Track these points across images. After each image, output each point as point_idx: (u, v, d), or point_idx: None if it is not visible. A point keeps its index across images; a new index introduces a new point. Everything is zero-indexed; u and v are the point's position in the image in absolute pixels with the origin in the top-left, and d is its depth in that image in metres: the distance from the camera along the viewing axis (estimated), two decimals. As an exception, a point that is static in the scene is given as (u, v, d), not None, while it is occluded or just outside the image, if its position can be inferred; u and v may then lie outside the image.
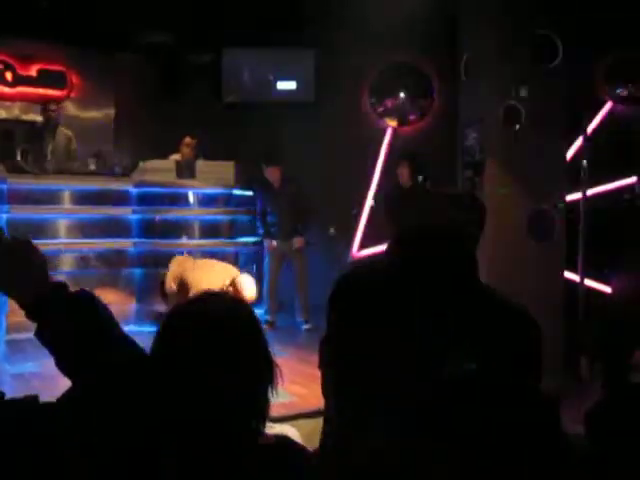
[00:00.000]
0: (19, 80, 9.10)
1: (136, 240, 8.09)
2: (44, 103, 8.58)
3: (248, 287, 5.94)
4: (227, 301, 1.55)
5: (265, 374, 1.48)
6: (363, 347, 1.27)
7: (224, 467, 1.38)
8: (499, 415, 1.52)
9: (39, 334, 1.35)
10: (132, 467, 1.31)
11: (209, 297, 1.56)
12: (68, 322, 1.33)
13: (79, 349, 1.33)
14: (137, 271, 8.11)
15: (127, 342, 1.41)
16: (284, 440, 1.54)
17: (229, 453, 1.39)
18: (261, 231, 8.30)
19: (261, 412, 1.48)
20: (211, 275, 6.17)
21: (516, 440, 1.56)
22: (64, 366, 1.34)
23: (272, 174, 8.14)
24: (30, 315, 1.35)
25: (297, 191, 8.17)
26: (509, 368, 1.81)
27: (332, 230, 8.55)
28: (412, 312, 1.30)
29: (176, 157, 8.46)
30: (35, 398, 1.33)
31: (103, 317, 1.40)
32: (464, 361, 1.58)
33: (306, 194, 8.22)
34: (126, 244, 8.06)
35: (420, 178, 7.82)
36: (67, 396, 1.32)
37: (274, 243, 8.15)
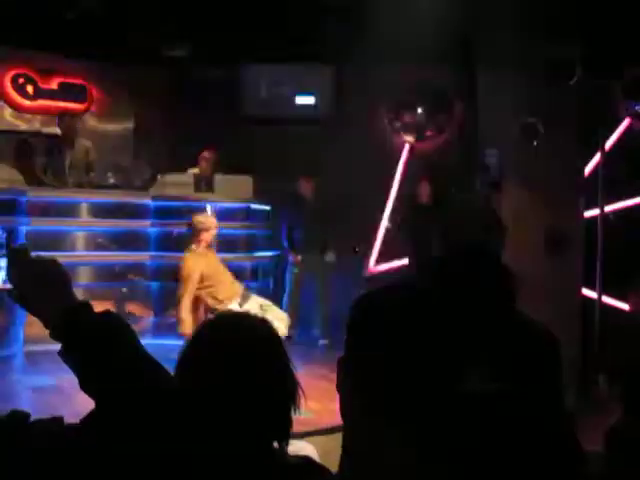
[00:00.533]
0: (40, 93, 9.18)
1: (154, 253, 8.13)
2: (60, 115, 8.65)
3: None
4: (252, 323, 1.57)
5: (290, 395, 1.50)
6: (381, 372, 1.27)
7: None
8: (519, 433, 1.52)
9: (63, 354, 1.36)
10: None
11: (234, 318, 1.58)
12: (92, 343, 1.34)
13: (103, 371, 1.34)
14: (154, 284, 8.14)
15: (151, 363, 1.42)
16: (307, 460, 1.55)
17: (255, 474, 1.40)
18: (286, 244, 8.32)
19: (285, 433, 1.49)
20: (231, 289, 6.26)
21: (535, 457, 1.56)
22: (87, 387, 1.35)
23: (305, 187, 8.20)
24: (54, 335, 1.36)
25: (327, 206, 8.23)
26: (530, 387, 1.80)
27: (332, 255, 8.39)
28: (433, 338, 1.30)
29: (194, 171, 8.51)
30: (61, 419, 1.34)
31: (128, 338, 1.41)
32: (486, 381, 1.58)
33: (334, 208, 8.26)
34: (144, 257, 8.10)
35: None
36: (91, 418, 1.33)
37: (299, 257, 8.16)
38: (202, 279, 6.18)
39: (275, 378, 1.48)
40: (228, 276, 6.46)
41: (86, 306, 1.40)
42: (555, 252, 6.86)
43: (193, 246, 6.39)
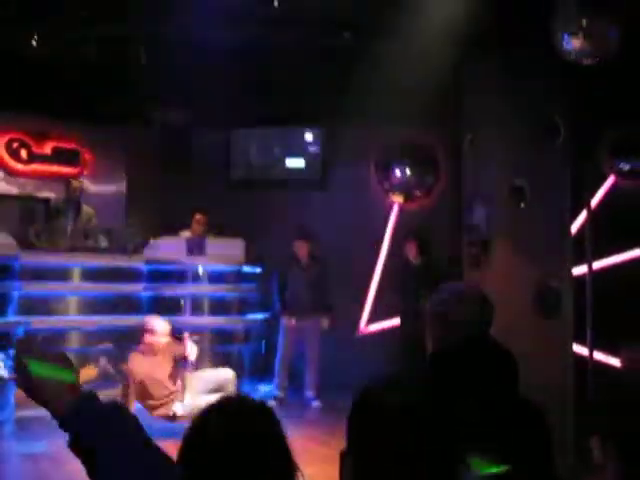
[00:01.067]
0: (34, 158, 9.29)
1: (145, 317, 8.11)
2: (67, 179, 8.76)
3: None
4: (253, 410, 1.62)
5: (290, 475, 1.54)
6: (384, 465, 1.29)
7: None
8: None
9: (71, 445, 1.38)
10: None
11: (230, 405, 1.63)
12: (98, 434, 1.36)
13: (108, 460, 1.36)
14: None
15: (156, 452, 1.45)
16: None
17: None
18: (278, 306, 8.34)
19: None
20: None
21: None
22: (96, 477, 1.37)
23: (300, 249, 8.26)
24: (62, 426, 1.39)
25: (322, 269, 8.28)
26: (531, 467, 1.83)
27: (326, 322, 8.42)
28: (440, 436, 1.32)
29: (186, 234, 8.58)
30: None
31: (132, 429, 1.43)
32: (495, 464, 1.61)
33: (328, 273, 8.31)
34: (137, 320, 8.08)
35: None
36: None
37: (293, 320, 8.17)
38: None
39: (278, 466, 1.53)
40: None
41: (91, 397, 1.43)
42: (545, 310, 6.90)
43: (140, 345, 6.56)
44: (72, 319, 7.82)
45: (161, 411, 6.31)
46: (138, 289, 8.16)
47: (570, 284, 7.05)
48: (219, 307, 8.34)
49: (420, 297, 7.44)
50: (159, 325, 6.60)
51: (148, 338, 6.52)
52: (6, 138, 9.07)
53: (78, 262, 7.93)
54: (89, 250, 8.11)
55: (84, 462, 1.37)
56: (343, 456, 1.37)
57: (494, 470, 1.60)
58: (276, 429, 1.62)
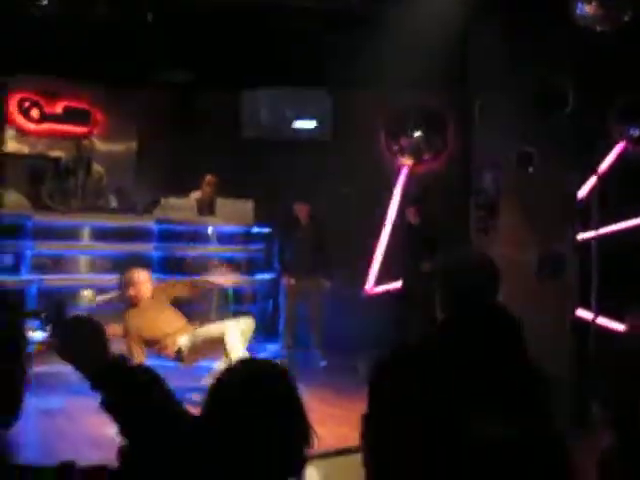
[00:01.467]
0: (45, 117, 9.34)
1: (157, 276, 8.23)
2: (77, 138, 8.84)
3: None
4: (266, 369, 1.71)
5: (304, 435, 1.64)
6: (404, 435, 1.37)
7: None
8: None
9: (102, 404, 1.48)
10: None
11: (248, 365, 1.73)
12: (126, 392, 1.47)
13: (136, 418, 1.46)
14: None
15: (179, 409, 1.55)
16: None
17: None
18: (279, 267, 8.44)
19: (299, 469, 1.63)
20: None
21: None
22: (127, 432, 1.48)
23: (300, 211, 8.34)
24: (94, 387, 1.49)
25: (321, 231, 8.37)
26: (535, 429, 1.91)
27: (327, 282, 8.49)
28: (455, 399, 1.40)
29: (197, 195, 8.65)
30: (105, 467, 1.45)
31: (158, 388, 1.53)
32: (497, 427, 1.69)
33: (327, 235, 8.39)
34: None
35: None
36: (126, 460, 1.45)
37: (292, 281, 8.29)
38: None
39: (291, 426, 1.62)
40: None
41: (121, 359, 1.53)
42: (549, 275, 6.98)
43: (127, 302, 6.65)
44: (84, 277, 7.94)
45: (169, 350, 6.39)
46: (149, 248, 8.26)
47: (575, 249, 7.13)
48: (228, 267, 8.43)
49: (421, 259, 7.56)
50: (136, 276, 6.67)
51: (130, 292, 6.58)
52: (18, 98, 9.10)
53: (90, 222, 8.03)
54: (100, 210, 8.20)
55: (115, 419, 1.47)
56: (365, 419, 1.46)
57: (500, 433, 1.69)
58: (293, 392, 1.71)
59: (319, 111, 9.95)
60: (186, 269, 8.20)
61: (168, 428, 1.47)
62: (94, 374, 1.48)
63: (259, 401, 1.60)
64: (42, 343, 1.54)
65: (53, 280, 7.66)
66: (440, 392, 1.38)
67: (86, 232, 8.02)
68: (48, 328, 1.51)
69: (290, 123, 9.96)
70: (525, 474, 1.60)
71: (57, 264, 7.81)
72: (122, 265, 8.04)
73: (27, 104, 9.19)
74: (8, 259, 7.20)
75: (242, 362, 1.85)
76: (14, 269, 7.42)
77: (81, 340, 1.49)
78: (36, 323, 1.54)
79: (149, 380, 1.52)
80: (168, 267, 8.24)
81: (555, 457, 1.69)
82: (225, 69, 9.39)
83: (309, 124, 9.95)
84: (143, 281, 6.66)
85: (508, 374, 1.82)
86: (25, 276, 7.57)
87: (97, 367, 1.48)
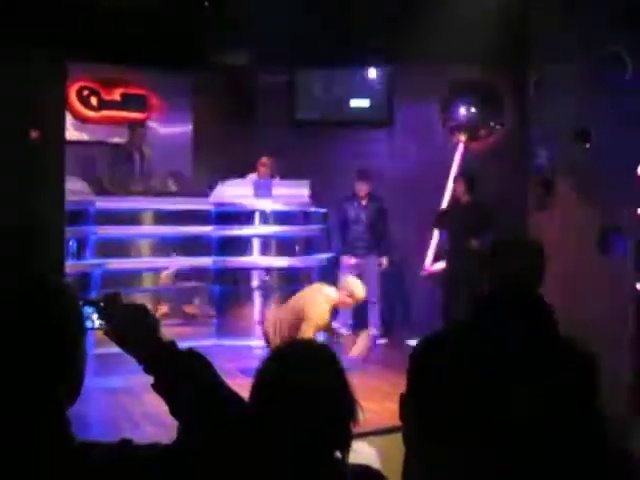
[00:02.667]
0: (103, 104, 9.53)
1: (215, 258, 8.39)
2: (131, 125, 9.03)
3: (357, 287, 6.52)
4: (313, 349, 1.77)
5: (350, 412, 1.69)
6: (440, 406, 1.41)
7: None
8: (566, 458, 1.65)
9: (154, 386, 1.56)
10: None
11: (296, 348, 1.79)
12: (177, 375, 1.54)
13: (188, 401, 1.54)
14: (216, 288, 8.41)
15: (229, 392, 1.62)
16: (366, 470, 1.74)
17: None
18: (339, 246, 8.52)
19: (346, 444, 1.69)
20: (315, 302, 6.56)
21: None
22: (178, 414, 1.56)
23: (360, 189, 8.39)
24: (147, 370, 1.57)
25: (380, 208, 8.41)
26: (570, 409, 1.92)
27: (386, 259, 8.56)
28: (492, 379, 1.43)
29: (253, 176, 8.75)
30: (157, 445, 1.52)
31: (209, 372, 1.61)
32: (534, 407, 1.70)
33: (385, 213, 8.42)
34: (206, 261, 8.37)
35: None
36: (179, 443, 1.53)
37: (352, 260, 8.35)
38: None
39: (338, 401, 1.67)
40: None
41: (173, 344, 1.60)
42: (608, 250, 6.87)
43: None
44: (145, 260, 8.14)
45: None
46: (208, 231, 8.41)
47: (635, 223, 6.98)
48: (286, 248, 8.54)
49: (469, 237, 7.53)
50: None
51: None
52: (77, 86, 9.30)
53: (149, 205, 8.22)
54: (159, 194, 8.38)
55: (166, 401, 1.55)
56: (403, 398, 1.50)
57: (534, 412, 1.71)
58: (337, 369, 1.76)
59: (374, 90, 9.92)
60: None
61: (217, 411, 1.54)
62: (146, 358, 1.55)
63: (302, 381, 1.65)
64: (98, 329, 1.61)
65: (116, 264, 7.86)
66: (476, 372, 1.41)
67: (146, 216, 8.21)
68: (103, 315, 1.59)
69: (345, 102, 9.95)
70: (561, 455, 1.62)
71: (119, 248, 8.00)
72: (182, 247, 8.23)
73: (86, 92, 9.39)
74: (72, 245, 7.40)
75: (287, 344, 1.91)
76: (78, 254, 7.62)
77: (133, 325, 1.57)
78: (92, 309, 1.62)
79: (198, 364, 1.59)
80: (226, 249, 8.38)
81: (594, 439, 1.69)
82: (280, 50, 9.42)
83: (364, 103, 9.93)
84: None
85: (545, 354, 1.82)
86: (89, 260, 7.78)
87: (149, 351, 1.55)
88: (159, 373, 1.54)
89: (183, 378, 1.53)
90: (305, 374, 1.70)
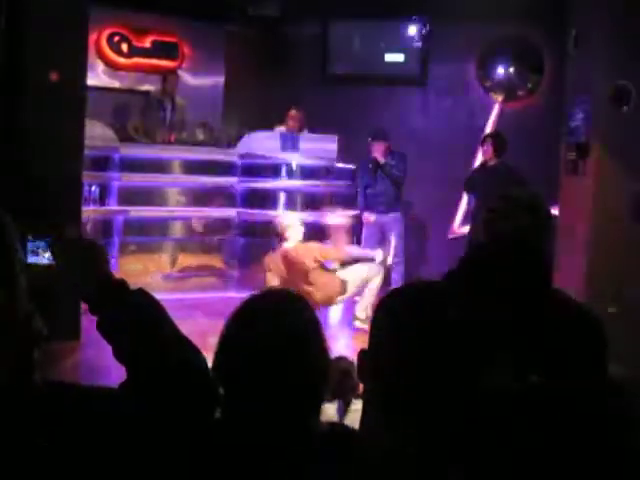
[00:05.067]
0: (134, 51, 9.43)
1: (240, 210, 8.32)
2: (164, 73, 8.94)
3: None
4: (289, 300, 1.67)
5: (320, 372, 1.60)
6: (400, 365, 1.29)
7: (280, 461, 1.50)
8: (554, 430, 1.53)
9: (98, 326, 1.46)
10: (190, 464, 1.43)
11: (271, 296, 1.69)
12: (123, 315, 1.44)
13: (132, 342, 1.44)
14: (240, 239, 8.35)
15: (182, 340, 1.51)
16: (332, 429, 1.65)
17: (287, 445, 1.51)
18: (361, 204, 8.39)
19: (316, 408, 1.60)
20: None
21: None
22: (119, 357, 1.46)
23: (377, 149, 8.22)
24: (92, 310, 1.46)
25: (401, 166, 8.22)
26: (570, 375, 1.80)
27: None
28: (457, 331, 1.31)
29: (281, 129, 8.63)
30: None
31: (157, 315, 1.50)
32: (525, 373, 1.60)
33: (404, 169, 8.22)
34: (230, 213, 8.30)
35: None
36: (123, 386, 1.44)
37: (372, 217, 8.24)
38: None
39: (310, 361, 1.58)
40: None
41: (122, 283, 1.49)
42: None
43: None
44: (168, 209, 8.09)
45: None
46: (233, 182, 8.33)
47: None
48: (311, 202, 8.44)
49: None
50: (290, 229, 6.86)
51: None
52: (108, 32, 9.20)
53: (174, 155, 8.15)
54: (185, 143, 8.30)
55: (110, 343, 1.45)
56: (360, 355, 1.39)
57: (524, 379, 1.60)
58: (310, 325, 1.66)
59: (408, 44, 9.69)
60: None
61: (164, 353, 1.44)
62: (91, 295, 1.45)
63: (264, 335, 1.57)
64: (47, 265, 1.51)
65: (138, 211, 7.83)
66: (442, 332, 1.28)
67: (171, 165, 8.15)
68: (51, 251, 1.49)
69: (379, 56, 9.73)
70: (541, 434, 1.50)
71: (143, 196, 7.96)
72: (206, 198, 8.18)
73: (117, 38, 9.29)
74: (94, 190, 7.37)
75: (266, 293, 1.80)
76: (101, 200, 7.59)
77: (78, 261, 1.46)
78: (42, 244, 1.52)
79: (147, 304, 1.48)
80: (251, 201, 8.31)
81: (591, 407, 1.56)
82: (313, 1, 9.25)
83: (398, 57, 9.70)
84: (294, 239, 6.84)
85: (535, 317, 1.70)
86: (112, 207, 7.76)
87: (94, 288, 1.45)
88: (104, 312, 1.45)
89: (129, 318, 1.43)
90: (270, 328, 1.60)
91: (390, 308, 1.36)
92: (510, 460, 1.46)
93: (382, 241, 8.29)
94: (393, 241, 8.25)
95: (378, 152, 8.17)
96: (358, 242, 8.48)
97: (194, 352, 1.49)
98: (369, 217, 8.28)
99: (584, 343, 2.02)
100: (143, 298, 1.49)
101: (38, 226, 1.56)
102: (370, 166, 8.21)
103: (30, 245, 1.51)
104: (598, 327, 2.10)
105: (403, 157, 8.24)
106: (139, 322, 1.44)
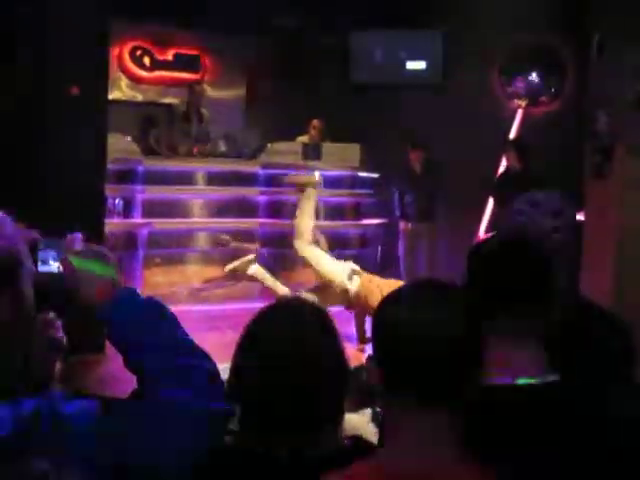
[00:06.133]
0: (156, 64, 9.49)
1: (263, 220, 8.32)
2: (190, 84, 8.98)
3: None
4: (307, 311, 1.65)
5: (342, 383, 1.58)
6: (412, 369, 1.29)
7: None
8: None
9: (108, 337, 1.44)
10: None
11: (290, 305, 1.67)
12: (134, 327, 1.41)
13: (142, 351, 1.41)
14: (264, 250, 8.34)
15: (191, 347, 1.47)
16: (357, 441, 1.62)
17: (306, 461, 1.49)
18: (398, 212, 8.45)
19: (337, 418, 1.58)
20: None
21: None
22: (133, 368, 1.43)
23: (414, 157, 8.23)
24: (100, 318, 1.44)
25: (436, 176, 8.23)
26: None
27: None
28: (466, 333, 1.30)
29: (303, 139, 8.64)
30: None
31: (168, 325, 1.46)
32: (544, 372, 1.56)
33: (443, 179, 8.21)
34: (253, 224, 8.30)
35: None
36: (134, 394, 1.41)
37: (409, 225, 8.26)
38: None
39: (329, 370, 1.56)
40: None
41: (132, 293, 1.46)
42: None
43: None
44: (192, 221, 8.10)
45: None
46: (255, 193, 8.33)
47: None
48: (335, 212, 8.42)
49: None
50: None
51: None
52: (130, 46, 9.27)
53: (197, 167, 8.18)
54: (208, 155, 8.32)
55: (120, 352, 1.43)
56: (370, 360, 1.38)
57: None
58: (331, 343, 1.64)
59: (430, 52, 9.66)
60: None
61: (174, 364, 1.41)
62: (100, 304, 1.43)
63: (286, 344, 1.56)
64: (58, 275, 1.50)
65: (163, 223, 7.85)
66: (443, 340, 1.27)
67: (193, 176, 8.17)
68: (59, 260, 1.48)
69: (401, 65, 9.71)
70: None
71: (167, 209, 7.99)
72: (229, 209, 8.18)
73: (139, 52, 9.37)
74: (118, 203, 7.41)
75: (283, 303, 1.79)
76: (125, 213, 7.62)
77: (86, 271, 1.45)
78: (54, 253, 1.51)
79: (158, 314, 1.46)
80: (274, 211, 8.31)
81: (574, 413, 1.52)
82: (335, 11, 9.25)
83: (420, 65, 9.68)
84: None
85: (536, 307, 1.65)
86: (136, 219, 7.79)
87: (103, 296, 1.43)
88: (113, 320, 1.42)
89: (140, 328, 1.41)
90: (293, 337, 1.59)
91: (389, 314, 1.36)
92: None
93: (417, 249, 8.29)
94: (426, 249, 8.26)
95: (415, 160, 8.20)
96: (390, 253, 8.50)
97: (203, 357, 1.46)
98: (406, 225, 8.30)
99: (611, 348, 1.97)
100: (154, 307, 1.46)
101: (50, 235, 1.54)
102: (410, 172, 8.23)
103: (40, 254, 1.50)
104: (626, 332, 2.05)
105: (440, 166, 8.25)
106: (150, 333, 1.42)
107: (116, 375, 5.77)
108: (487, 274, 1.69)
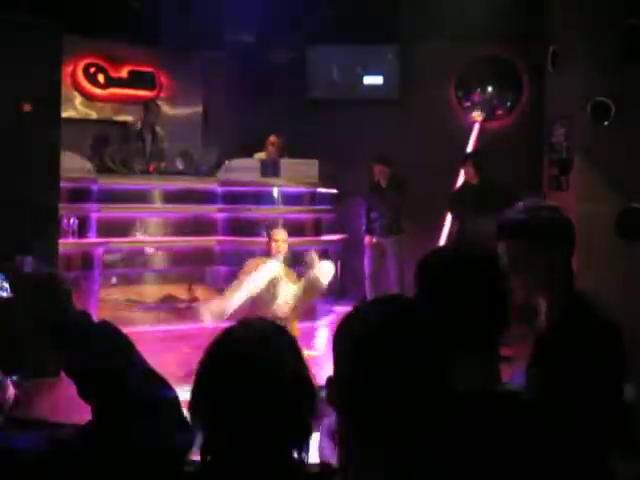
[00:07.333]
0: (111, 82, 9.34)
1: (221, 238, 8.23)
2: (146, 102, 8.86)
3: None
4: (268, 334, 1.58)
5: (309, 405, 1.50)
6: (377, 390, 1.23)
7: None
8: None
9: (65, 366, 1.36)
10: None
11: (251, 328, 1.60)
12: (85, 349, 1.33)
13: (95, 377, 1.33)
14: (222, 269, 8.23)
15: (146, 371, 1.41)
16: (326, 469, 1.55)
17: None
18: (364, 227, 8.53)
19: (304, 441, 1.50)
20: None
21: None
22: (83, 395, 1.35)
23: (378, 172, 8.23)
24: (54, 346, 1.36)
25: (400, 190, 8.23)
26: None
27: None
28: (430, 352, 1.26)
29: (261, 156, 8.57)
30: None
31: (122, 347, 1.39)
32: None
33: (405, 194, 8.23)
34: (211, 242, 8.20)
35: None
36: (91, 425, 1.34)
37: (373, 239, 8.35)
38: None
39: (293, 390, 1.49)
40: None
41: (85, 315, 1.39)
42: (628, 233, 6.62)
43: None
44: (148, 240, 7.98)
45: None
46: (213, 210, 8.24)
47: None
48: (294, 228, 8.34)
49: (477, 219, 7.29)
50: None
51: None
52: (84, 63, 9.11)
53: (154, 184, 8.05)
54: (164, 172, 8.21)
55: (74, 381, 1.35)
56: (330, 380, 1.32)
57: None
58: (292, 353, 1.57)
59: (386, 67, 9.69)
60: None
61: (132, 395, 1.33)
62: (53, 332, 1.35)
63: (254, 359, 1.48)
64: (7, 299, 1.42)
65: (118, 242, 7.72)
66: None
67: (151, 195, 8.06)
68: (9, 283, 1.40)
69: (357, 80, 9.73)
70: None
71: (123, 227, 7.86)
72: (186, 227, 8.07)
73: (93, 69, 9.20)
74: (73, 222, 7.26)
75: (244, 324, 1.70)
76: (80, 232, 7.47)
77: (38, 294, 1.36)
78: (2, 276, 1.42)
79: (112, 339, 1.38)
80: (232, 229, 8.23)
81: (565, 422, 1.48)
82: (290, 27, 9.22)
83: (376, 80, 9.70)
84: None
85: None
86: (91, 239, 7.64)
87: (56, 324, 1.35)
88: (68, 349, 1.34)
89: (95, 356, 1.33)
90: (251, 356, 1.51)
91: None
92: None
93: (382, 263, 8.27)
94: (390, 263, 8.25)
95: (380, 175, 8.22)
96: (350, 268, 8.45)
97: (163, 386, 1.39)
98: (371, 239, 8.38)
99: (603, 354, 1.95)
100: (107, 332, 1.38)
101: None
102: (375, 187, 8.25)
103: None
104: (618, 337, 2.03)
105: (404, 182, 8.26)
106: (103, 358, 1.34)
107: (71, 401, 5.65)
108: (436, 285, 1.68)
